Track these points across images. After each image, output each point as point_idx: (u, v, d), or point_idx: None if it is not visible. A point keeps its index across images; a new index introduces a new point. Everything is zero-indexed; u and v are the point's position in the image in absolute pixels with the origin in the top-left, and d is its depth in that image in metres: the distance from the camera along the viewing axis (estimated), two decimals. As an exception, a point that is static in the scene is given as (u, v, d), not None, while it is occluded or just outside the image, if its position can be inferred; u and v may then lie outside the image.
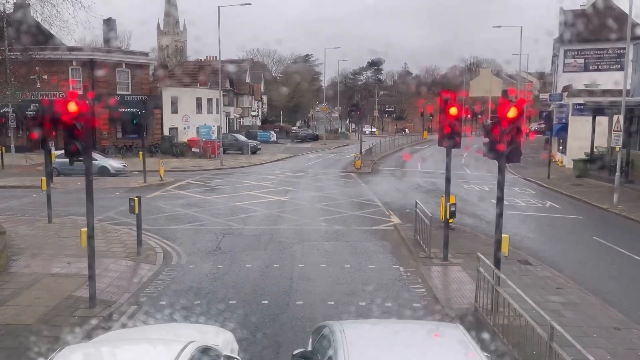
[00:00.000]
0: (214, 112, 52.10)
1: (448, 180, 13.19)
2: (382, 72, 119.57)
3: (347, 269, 12.84)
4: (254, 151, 45.49)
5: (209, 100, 51.61)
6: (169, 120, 45.77)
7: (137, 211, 13.33)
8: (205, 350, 5.54)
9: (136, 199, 13.41)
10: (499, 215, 9.59)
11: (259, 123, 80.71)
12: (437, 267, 12.88)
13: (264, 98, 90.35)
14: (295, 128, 79.61)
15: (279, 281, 11.88)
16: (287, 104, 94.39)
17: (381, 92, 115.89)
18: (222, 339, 6.98)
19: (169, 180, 27.80)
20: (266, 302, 10.51)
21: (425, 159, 44.57)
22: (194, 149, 41.79)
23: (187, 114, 46.87)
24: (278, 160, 41.51)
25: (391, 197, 23.88)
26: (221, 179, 29.91)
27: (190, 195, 23.69)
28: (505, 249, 9.81)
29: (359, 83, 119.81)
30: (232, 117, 59.55)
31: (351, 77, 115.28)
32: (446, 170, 13.14)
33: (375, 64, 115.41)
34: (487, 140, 9.35)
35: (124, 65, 43.12)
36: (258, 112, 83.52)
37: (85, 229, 9.78)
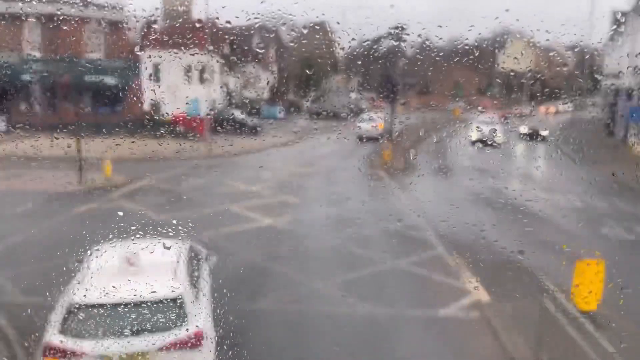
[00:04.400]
0: (208, 83, 43.57)
1: None
2: (404, 40, 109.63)
3: None
4: (254, 131, 36.99)
5: (212, 68, 43.13)
6: (151, 92, 37.27)
7: None
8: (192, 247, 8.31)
9: None
10: None
11: (267, 95, 71.76)
12: None
13: (275, 68, 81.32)
14: (306, 101, 70.56)
15: None
16: (299, 73, 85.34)
17: (397, 63, 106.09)
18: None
19: (120, 179, 19.42)
20: None
21: (466, 146, 35.80)
22: (179, 128, 33.37)
23: (176, 84, 38.34)
24: (283, 145, 33.06)
25: (447, 218, 15.30)
26: (200, 178, 21.61)
27: (136, 212, 15.40)
28: None
29: (378, 52, 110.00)
30: (232, 88, 50.92)
31: (369, 44, 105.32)
32: None
33: (396, 30, 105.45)
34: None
35: (94, 22, 34.61)
36: (266, 83, 74.55)
37: None
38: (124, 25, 37.14)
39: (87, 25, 34.49)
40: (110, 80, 34.48)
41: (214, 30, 47.64)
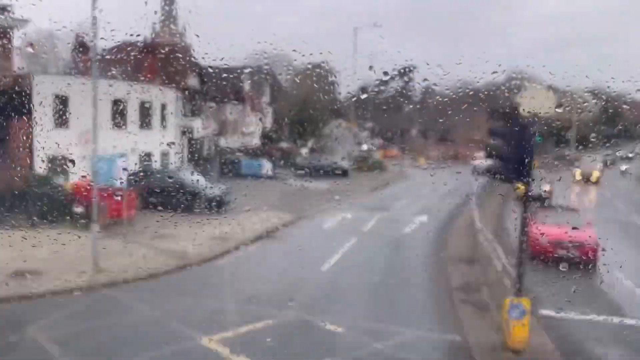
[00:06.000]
0: (168, 126, 30.03)
1: None
2: (413, 82, 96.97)
3: None
4: (217, 207, 22.72)
5: (164, 106, 29.60)
6: (53, 139, 23.29)
7: None
8: None
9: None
10: None
11: (254, 144, 58.64)
12: None
13: (269, 111, 67.97)
14: (304, 150, 57.33)
15: None
16: (295, 117, 71.74)
17: (408, 107, 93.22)
18: None
19: None
20: None
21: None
22: (78, 209, 19.22)
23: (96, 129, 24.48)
24: (253, 241, 18.95)
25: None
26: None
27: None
28: None
29: (385, 95, 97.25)
30: (201, 136, 36.75)
31: (378, 87, 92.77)
32: None
33: (405, 73, 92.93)
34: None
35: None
36: (256, 128, 61.16)
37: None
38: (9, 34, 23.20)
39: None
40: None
41: (183, 58, 34.23)
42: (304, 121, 71.55)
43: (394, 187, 36.22)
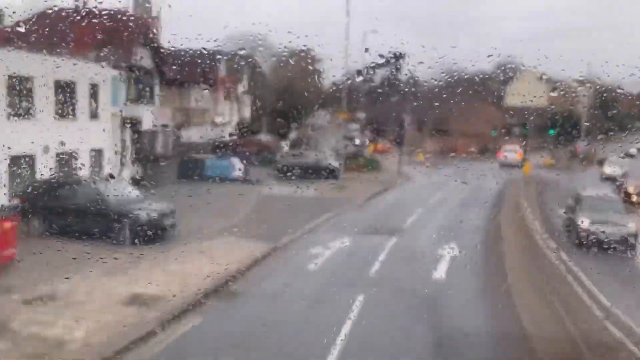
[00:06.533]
0: (101, 115, 22.56)
1: None
2: (406, 67, 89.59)
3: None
4: (155, 232, 15.33)
5: (94, 88, 22.12)
6: None
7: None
8: None
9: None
10: None
11: (231, 135, 51.44)
12: None
13: (248, 100, 60.37)
14: (285, 144, 50.41)
15: None
16: (277, 106, 64.07)
17: (400, 95, 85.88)
18: None
19: None
20: None
21: None
22: None
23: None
24: (196, 305, 11.55)
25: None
26: None
27: None
28: None
29: (379, 82, 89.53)
30: (153, 125, 28.83)
31: (372, 70, 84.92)
32: None
33: (396, 59, 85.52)
34: None
35: None
36: (232, 119, 53.79)
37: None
38: None
39: None
40: None
41: (136, 30, 27.29)
42: (287, 111, 63.38)
43: (396, 193, 29.27)
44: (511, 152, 40.58)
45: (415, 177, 36.86)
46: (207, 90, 40.00)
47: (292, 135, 58.59)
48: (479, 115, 61.86)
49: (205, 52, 33.63)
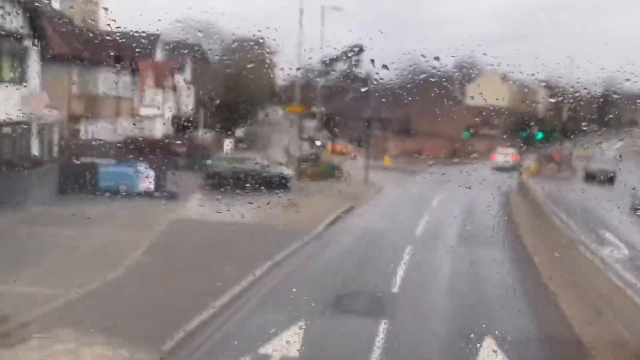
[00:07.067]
0: None
1: None
2: (360, 64, 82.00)
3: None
4: None
5: None
6: None
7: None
8: None
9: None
10: None
11: (164, 131, 43.17)
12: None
13: (190, 91, 51.67)
14: (229, 143, 42.65)
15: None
16: (222, 99, 55.39)
17: (352, 95, 78.63)
18: None
19: None
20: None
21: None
22: None
23: None
24: None
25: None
26: None
27: None
28: None
29: (331, 77, 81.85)
30: (22, 114, 19.65)
31: (328, 65, 77.01)
32: None
33: (353, 53, 77.80)
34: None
35: None
36: (164, 111, 45.37)
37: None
38: None
39: None
40: None
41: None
42: (235, 105, 53.97)
43: (367, 214, 21.58)
44: (505, 155, 38.96)
45: (386, 188, 29.51)
46: (122, 74, 31.25)
47: (239, 132, 50.16)
48: (446, 115, 55.48)
49: (135, 34, 25.37)
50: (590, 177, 32.19)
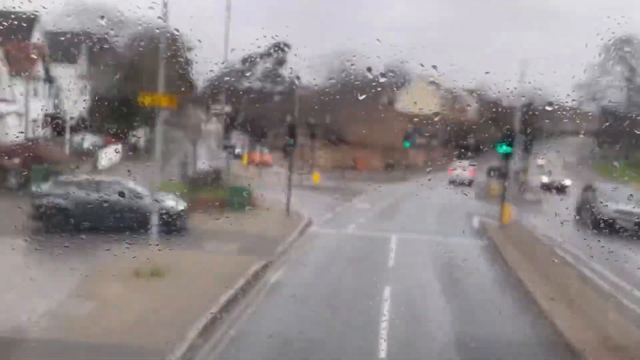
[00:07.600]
0: None
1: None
2: (285, 63, 72.59)
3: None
4: None
5: None
6: None
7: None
8: None
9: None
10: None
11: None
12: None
13: (84, 86, 42.17)
14: (110, 153, 34.15)
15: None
16: (121, 96, 45.73)
17: (283, 95, 70.56)
18: None
19: None
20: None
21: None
22: None
23: None
24: None
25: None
26: None
27: None
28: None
29: (250, 75, 72.61)
30: None
31: (245, 64, 67.99)
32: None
33: (279, 50, 69.12)
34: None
35: None
36: (26, 103, 36.39)
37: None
38: None
39: None
40: None
41: None
42: (130, 102, 44.36)
43: (284, 288, 13.35)
44: (462, 169, 39.89)
45: (317, 224, 21.51)
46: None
47: (132, 136, 40.99)
48: (381, 123, 51.09)
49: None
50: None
